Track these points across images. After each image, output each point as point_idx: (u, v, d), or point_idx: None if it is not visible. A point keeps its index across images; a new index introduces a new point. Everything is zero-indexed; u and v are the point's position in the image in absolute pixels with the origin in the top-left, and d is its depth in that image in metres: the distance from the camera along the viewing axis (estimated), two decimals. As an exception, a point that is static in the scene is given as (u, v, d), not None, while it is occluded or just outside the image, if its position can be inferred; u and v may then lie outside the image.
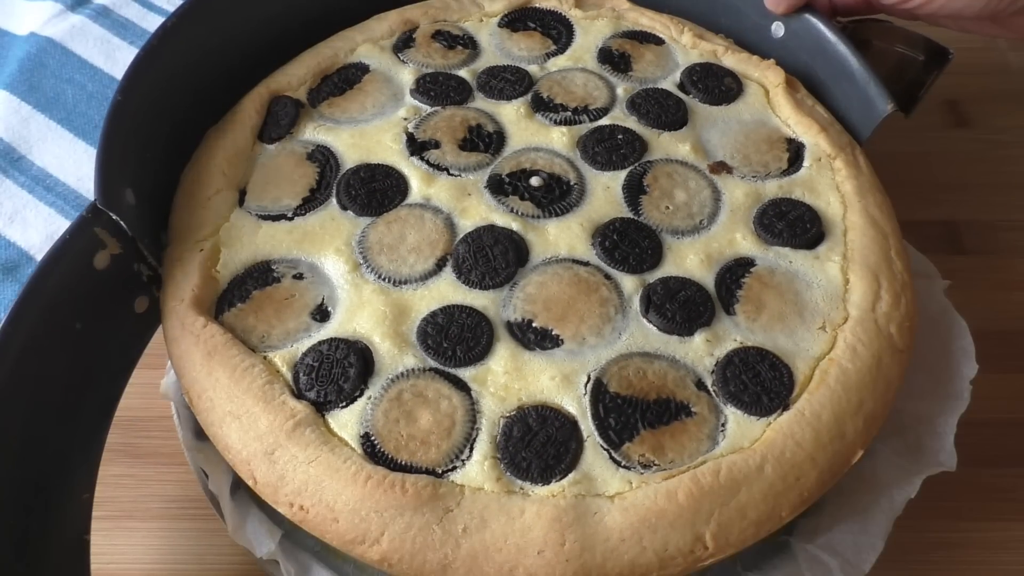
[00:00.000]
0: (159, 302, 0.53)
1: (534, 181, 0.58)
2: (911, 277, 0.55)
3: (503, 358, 0.50)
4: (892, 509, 0.51)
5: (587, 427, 0.47)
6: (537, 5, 0.71)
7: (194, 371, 0.49)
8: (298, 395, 0.48)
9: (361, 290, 0.52)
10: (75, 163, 0.77)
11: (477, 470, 0.46)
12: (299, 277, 0.53)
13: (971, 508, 0.59)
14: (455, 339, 0.50)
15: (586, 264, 0.54)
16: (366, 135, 0.60)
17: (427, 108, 0.63)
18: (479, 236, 0.54)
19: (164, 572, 0.56)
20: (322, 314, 0.52)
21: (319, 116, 0.62)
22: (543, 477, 0.46)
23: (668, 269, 0.54)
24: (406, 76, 0.65)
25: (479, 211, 0.56)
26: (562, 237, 0.55)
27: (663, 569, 0.44)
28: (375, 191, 0.57)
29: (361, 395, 0.48)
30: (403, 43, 0.68)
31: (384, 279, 0.53)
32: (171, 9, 0.89)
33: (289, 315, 0.51)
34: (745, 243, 0.56)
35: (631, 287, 0.53)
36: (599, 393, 0.48)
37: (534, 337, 0.51)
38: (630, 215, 0.57)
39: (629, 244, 0.55)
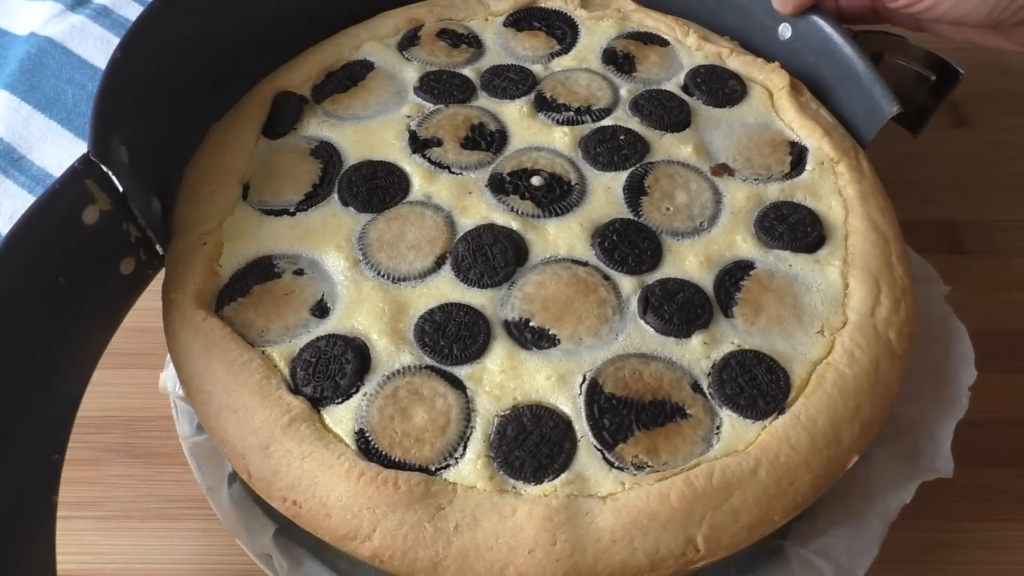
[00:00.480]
0: (145, 265, 0.52)
1: (535, 181, 0.58)
2: (912, 282, 0.55)
3: (499, 357, 0.50)
4: (887, 514, 0.51)
5: (581, 427, 0.47)
6: (543, 5, 0.71)
7: (192, 364, 0.49)
8: (295, 390, 0.49)
9: (360, 287, 0.53)
10: None
11: (470, 468, 0.46)
12: (299, 273, 0.53)
13: (971, 508, 0.59)
14: (452, 337, 0.50)
15: (585, 264, 0.54)
16: (369, 132, 0.61)
17: (430, 106, 0.63)
18: (479, 235, 0.55)
19: (164, 572, 0.56)
20: (321, 310, 0.52)
21: (323, 112, 0.62)
22: (536, 476, 0.46)
23: (667, 271, 0.54)
24: (410, 74, 0.65)
25: (479, 210, 0.56)
26: (562, 237, 0.55)
27: (654, 571, 0.44)
28: (376, 188, 0.57)
29: (357, 391, 0.48)
30: (408, 41, 0.68)
31: (383, 276, 0.53)
32: None
33: (288, 310, 0.52)
34: (745, 246, 0.56)
35: (629, 288, 0.53)
36: (594, 394, 0.48)
37: (531, 336, 0.51)
38: (630, 216, 0.57)
39: (628, 245, 0.55)
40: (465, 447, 0.47)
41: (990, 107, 0.84)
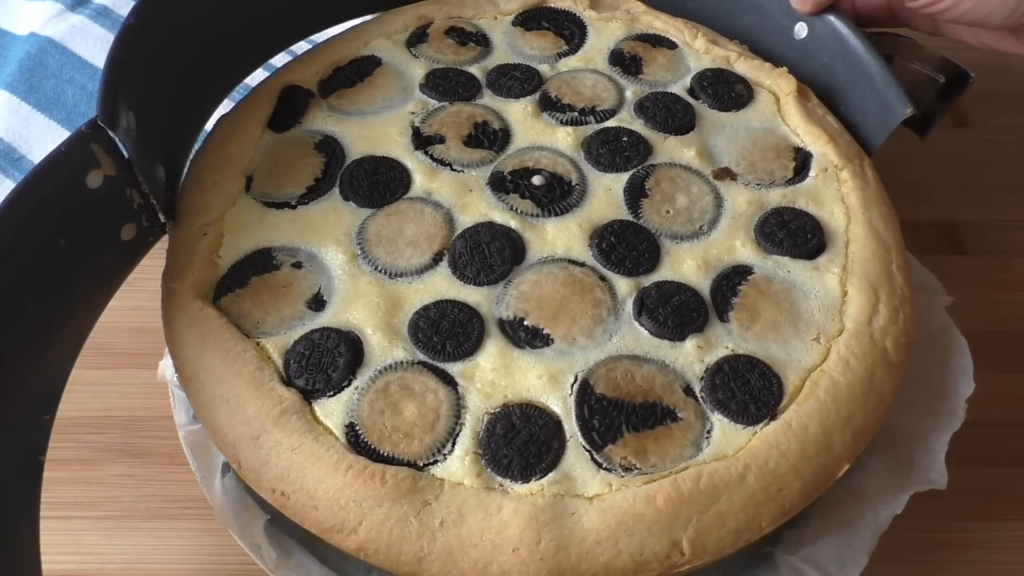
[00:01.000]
0: (146, 232, 0.52)
1: (536, 180, 0.58)
2: (912, 292, 0.54)
3: (492, 355, 0.50)
4: (877, 524, 0.50)
5: (571, 427, 0.47)
6: (552, 5, 0.71)
7: (187, 353, 0.50)
8: (287, 382, 0.49)
9: (357, 281, 0.53)
10: None
11: (458, 465, 0.46)
12: (298, 265, 0.54)
13: (971, 508, 0.59)
14: (446, 334, 0.50)
15: (582, 265, 0.54)
16: (373, 127, 0.61)
17: (435, 103, 0.63)
18: (477, 232, 0.55)
19: (164, 572, 0.56)
20: (317, 303, 0.52)
21: (329, 107, 0.63)
22: (523, 475, 0.46)
23: (664, 273, 0.54)
24: (417, 71, 0.65)
25: (479, 208, 0.56)
26: (560, 237, 0.55)
27: (638, 573, 0.44)
28: (378, 183, 0.57)
29: (349, 385, 0.49)
30: (417, 38, 0.68)
31: (380, 271, 0.53)
32: None
33: (285, 303, 0.52)
34: (744, 251, 0.55)
35: (626, 290, 0.53)
36: (585, 394, 0.48)
37: (524, 335, 0.51)
38: (630, 218, 0.56)
39: (626, 247, 0.55)
40: (454, 444, 0.47)
41: (990, 107, 0.84)
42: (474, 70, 0.66)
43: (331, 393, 0.48)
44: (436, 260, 0.54)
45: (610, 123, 0.62)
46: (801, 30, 0.67)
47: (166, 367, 0.59)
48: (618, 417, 0.48)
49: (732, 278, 0.54)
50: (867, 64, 0.62)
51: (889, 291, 0.53)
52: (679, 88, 0.65)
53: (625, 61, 0.67)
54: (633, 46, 0.68)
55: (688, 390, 0.49)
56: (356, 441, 0.47)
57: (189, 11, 0.58)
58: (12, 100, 0.81)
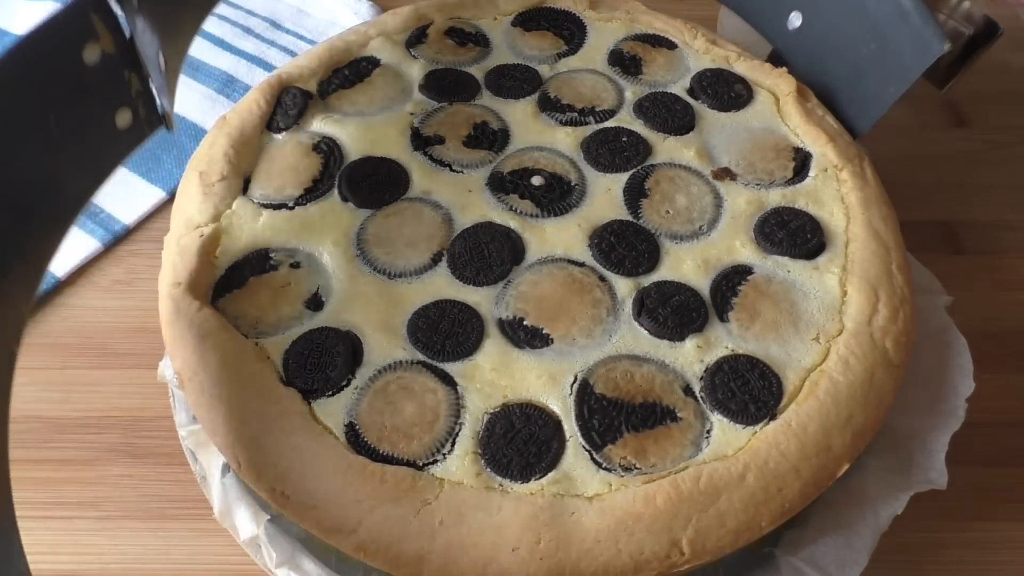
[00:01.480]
0: (143, 123, 0.48)
1: (535, 180, 0.58)
2: (912, 292, 0.54)
3: (491, 355, 0.50)
4: (878, 525, 0.50)
5: (570, 427, 0.47)
6: (551, 5, 0.71)
7: (186, 354, 0.50)
8: (286, 382, 0.49)
9: (356, 281, 0.53)
10: None
11: (457, 464, 0.46)
12: (296, 266, 0.54)
13: (971, 508, 0.59)
14: (445, 334, 0.50)
15: (581, 265, 0.54)
16: (372, 128, 0.61)
17: (434, 104, 0.63)
18: (476, 233, 0.55)
19: (164, 572, 0.56)
20: (316, 303, 0.52)
21: (327, 108, 0.63)
22: (523, 475, 0.46)
23: (664, 273, 0.54)
24: (416, 71, 0.65)
25: (479, 208, 0.56)
26: (559, 237, 0.55)
27: (638, 572, 0.44)
28: (377, 184, 0.57)
29: (348, 385, 0.49)
30: (416, 39, 0.68)
31: (379, 271, 0.53)
32: None
33: (283, 303, 0.52)
34: (744, 251, 0.55)
35: (625, 290, 0.53)
36: (584, 394, 0.48)
37: (524, 335, 0.51)
38: (629, 218, 0.56)
39: (626, 247, 0.54)
40: (453, 443, 0.47)
41: (990, 107, 0.84)
42: (473, 71, 0.66)
43: (330, 393, 0.48)
44: (435, 260, 0.54)
45: (610, 123, 0.62)
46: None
47: (166, 367, 0.59)
48: (618, 417, 0.48)
49: (732, 278, 0.54)
50: (903, 1, 0.60)
51: (889, 291, 0.53)
52: (679, 88, 0.65)
53: (625, 61, 0.67)
54: (633, 46, 0.68)
55: (688, 390, 0.49)
56: (356, 441, 0.47)
57: None
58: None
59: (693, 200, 0.57)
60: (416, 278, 0.53)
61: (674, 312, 0.52)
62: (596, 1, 0.71)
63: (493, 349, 0.50)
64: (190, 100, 0.82)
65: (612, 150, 0.60)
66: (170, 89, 0.51)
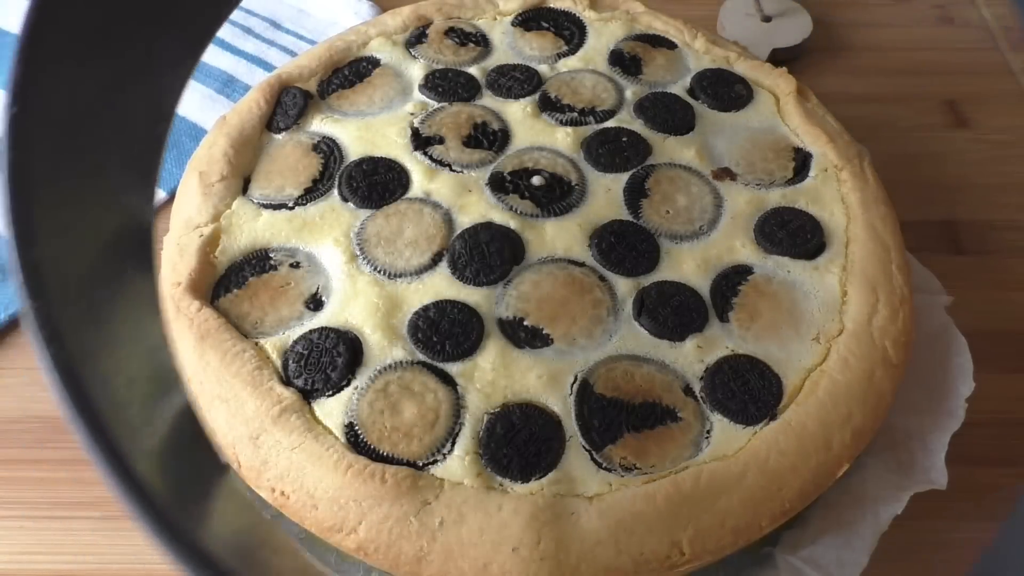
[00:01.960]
0: None
1: (535, 180, 0.58)
2: (912, 292, 0.54)
3: (492, 355, 0.50)
4: (878, 524, 0.50)
5: (570, 427, 0.47)
6: (551, 5, 0.71)
7: (186, 354, 0.50)
8: (286, 382, 0.49)
9: (356, 281, 0.53)
10: None
11: (458, 464, 0.46)
12: (296, 266, 0.54)
13: (971, 508, 0.59)
14: (445, 334, 0.50)
15: (581, 265, 0.54)
16: (372, 128, 0.61)
17: (434, 104, 0.63)
18: (476, 233, 0.55)
19: (164, 572, 0.56)
20: (316, 303, 0.52)
21: (327, 108, 0.63)
22: (523, 475, 0.46)
23: (664, 273, 0.54)
24: (416, 71, 0.65)
25: (479, 208, 0.56)
26: (559, 237, 0.55)
27: (638, 573, 0.44)
28: (376, 184, 0.57)
29: (348, 385, 0.49)
30: (416, 39, 0.68)
31: (379, 271, 0.53)
32: None
33: (283, 303, 0.52)
34: (744, 251, 0.55)
35: (625, 290, 0.53)
36: (585, 394, 0.48)
37: (524, 335, 0.51)
38: (629, 218, 0.56)
39: (626, 247, 0.54)
40: (453, 443, 0.47)
41: (990, 107, 0.84)
42: (474, 71, 0.66)
43: (330, 393, 0.48)
44: (435, 260, 0.54)
45: (610, 123, 0.62)
46: None
47: (165, 367, 0.59)
48: (618, 417, 0.48)
49: (732, 278, 0.54)
50: None
51: (889, 291, 0.53)
52: (679, 88, 0.65)
53: (625, 61, 0.67)
54: (633, 46, 0.68)
55: (688, 390, 0.49)
56: (356, 441, 0.47)
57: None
58: (12, 101, 0.80)
59: (693, 200, 0.57)
60: (416, 278, 0.53)
61: (674, 312, 0.52)
62: (596, 1, 0.71)
63: (493, 349, 0.50)
64: (190, 100, 0.82)
65: (612, 150, 0.60)
66: None
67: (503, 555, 0.44)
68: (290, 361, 0.49)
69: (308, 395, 0.48)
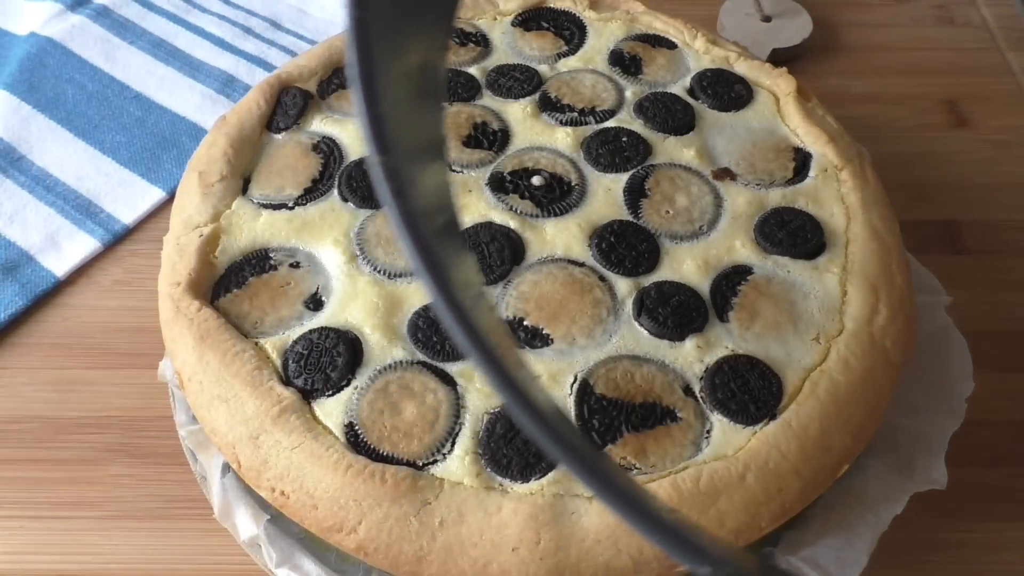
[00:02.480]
0: None
1: (535, 180, 0.58)
2: (912, 292, 0.54)
3: (491, 355, 0.50)
4: (878, 525, 0.50)
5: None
6: (551, 5, 0.71)
7: (186, 354, 0.50)
8: (286, 382, 0.49)
9: (356, 281, 0.53)
10: (75, 163, 0.77)
11: (457, 464, 0.46)
12: (296, 266, 0.54)
13: (971, 508, 0.59)
14: (445, 333, 0.50)
15: (581, 265, 0.54)
16: (372, 128, 0.61)
17: (434, 104, 0.63)
18: (476, 233, 0.55)
19: (164, 572, 0.56)
20: (316, 303, 0.52)
21: (327, 108, 0.63)
22: (523, 475, 0.46)
23: (664, 273, 0.54)
24: (416, 71, 0.65)
25: (478, 208, 0.56)
26: (559, 237, 0.55)
27: (638, 573, 0.44)
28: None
29: (348, 385, 0.49)
30: (416, 39, 0.68)
31: (379, 271, 0.53)
32: (171, 9, 0.91)
33: (283, 303, 0.52)
34: (744, 251, 0.55)
35: (625, 290, 0.53)
36: (584, 394, 0.48)
37: (524, 335, 0.51)
38: (629, 218, 0.56)
39: (626, 247, 0.54)
40: (453, 443, 0.47)
41: (990, 107, 0.84)
42: (473, 70, 0.66)
43: (330, 393, 0.48)
44: (435, 260, 0.54)
45: (610, 123, 0.62)
46: None
47: (166, 367, 0.59)
48: (618, 417, 0.48)
49: (732, 278, 0.54)
50: None
51: (889, 291, 0.53)
52: (679, 88, 0.65)
53: (625, 61, 0.67)
54: (633, 46, 0.68)
55: (688, 390, 0.49)
56: (356, 440, 0.47)
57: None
58: (12, 100, 0.80)
59: (693, 200, 0.57)
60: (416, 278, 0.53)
61: (674, 312, 0.52)
62: (596, 1, 0.71)
63: (493, 349, 0.50)
64: (190, 100, 0.82)
65: (612, 150, 0.60)
66: None
67: (503, 555, 0.44)
68: (290, 361, 0.49)
69: (308, 395, 0.48)
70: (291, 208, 0.56)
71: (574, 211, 0.57)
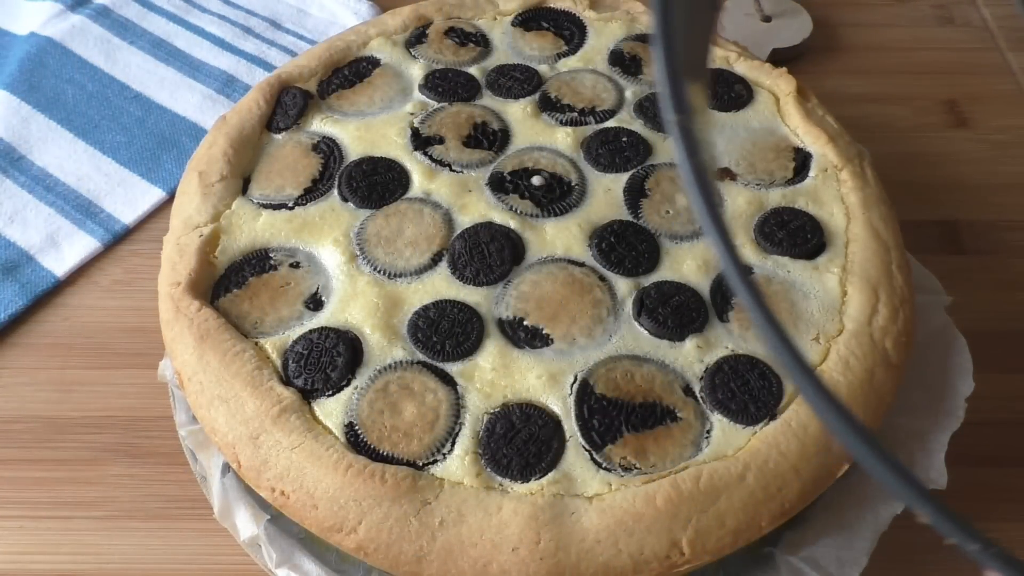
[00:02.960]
0: None
1: (535, 180, 0.58)
2: (912, 292, 0.54)
3: (491, 355, 0.50)
4: (878, 524, 0.50)
5: (570, 427, 0.47)
6: (551, 5, 0.71)
7: (186, 354, 0.50)
8: (286, 382, 0.49)
9: (356, 281, 0.53)
10: (75, 163, 0.77)
11: (457, 464, 0.46)
12: (296, 266, 0.54)
13: (971, 508, 0.58)
14: (445, 334, 0.50)
15: (581, 265, 0.54)
16: (372, 128, 0.61)
17: (434, 104, 0.63)
18: (476, 233, 0.55)
19: (164, 572, 0.56)
20: (316, 303, 0.52)
21: (327, 108, 0.63)
22: (523, 475, 0.46)
23: (664, 273, 0.54)
24: (416, 71, 0.65)
25: (478, 208, 0.56)
26: (559, 237, 0.55)
27: (637, 573, 0.44)
28: (376, 184, 0.57)
29: (348, 384, 0.49)
30: (416, 39, 0.68)
31: (379, 271, 0.53)
32: (171, 9, 0.91)
33: (283, 303, 0.52)
34: (744, 251, 0.55)
35: (625, 290, 0.53)
36: (585, 394, 0.48)
37: (524, 335, 0.51)
38: (629, 218, 0.56)
39: (626, 247, 0.54)
40: (453, 443, 0.47)
41: (990, 107, 0.84)
42: (473, 71, 0.66)
43: (330, 392, 0.48)
44: (435, 260, 0.54)
45: (610, 123, 0.62)
46: None
47: (166, 367, 0.59)
48: (618, 417, 0.48)
49: (732, 278, 0.54)
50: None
51: (889, 291, 0.53)
52: (679, 88, 0.65)
53: (625, 61, 0.67)
54: (633, 46, 0.68)
55: (688, 390, 0.49)
56: (355, 440, 0.47)
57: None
58: (12, 100, 0.81)
59: (693, 200, 0.57)
60: (416, 278, 0.53)
61: (674, 312, 0.52)
62: (596, 1, 0.71)
63: (493, 349, 0.50)
64: (190, 100, 0.82)
65: (612, 150, 0.60)
66: None
67: (503, 555, 0.44)
68: (290, 361, 0.49)
69: (308, 395, 0.48)
70: (291, 208, 0.56)
71: (574, 211, 0.57)
